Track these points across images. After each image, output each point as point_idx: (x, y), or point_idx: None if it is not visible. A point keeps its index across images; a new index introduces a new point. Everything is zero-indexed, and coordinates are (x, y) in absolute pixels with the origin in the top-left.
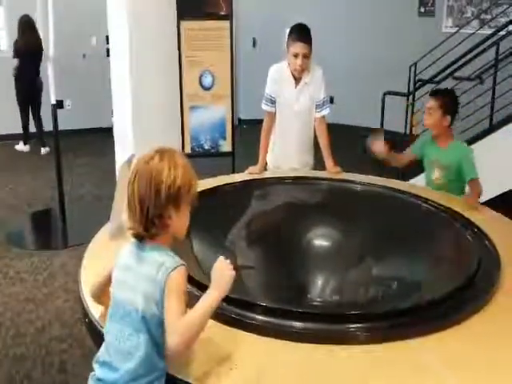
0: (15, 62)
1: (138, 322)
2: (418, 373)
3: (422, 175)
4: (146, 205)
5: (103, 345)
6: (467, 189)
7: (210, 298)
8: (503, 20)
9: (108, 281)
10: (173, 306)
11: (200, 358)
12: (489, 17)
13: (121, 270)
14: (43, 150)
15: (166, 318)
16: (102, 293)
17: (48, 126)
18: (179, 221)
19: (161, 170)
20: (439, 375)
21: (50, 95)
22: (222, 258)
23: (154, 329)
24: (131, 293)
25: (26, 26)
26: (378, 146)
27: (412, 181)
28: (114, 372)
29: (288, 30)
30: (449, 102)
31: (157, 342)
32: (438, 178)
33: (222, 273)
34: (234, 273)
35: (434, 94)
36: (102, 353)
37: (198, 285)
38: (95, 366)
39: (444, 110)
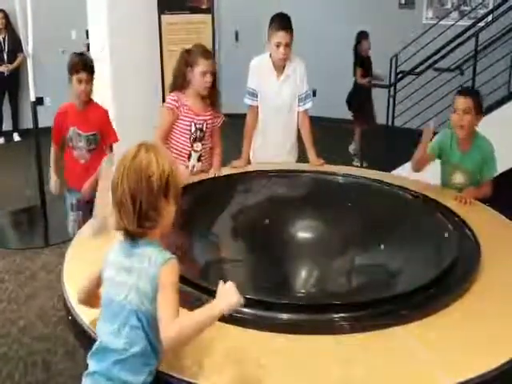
0: None
1: (132, 319)
2: (402, 359)
3: (406, 165)
4: (138, 199)
5: (98, 343)
6: None
7: (216, 310)
8: (482, 11)
9: (96, 285)
10: (167, 299)
11: (186, 352)
12: (468, 8)
13: (113, 269)
14: (16, 136)
15: (161, 312)
16: (91, 297)
17: (28, 123)
18: (168, 214)
19: (149, 162)
20: (422, 361)
21: (30, 92)
22: (231, 283)
23: (147, 326)
24: (125, 290)
25: None
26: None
27: (394, 172)
28: (106, 361)
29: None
30: (480, 102)
31: (150, 339)
32: (461, 182)
33: (232, 293)
34: (242, 300)
35: (467, 93)
36: (97, 349)
37: (181, 279)
38: (90, 361)
39: (477, 110)
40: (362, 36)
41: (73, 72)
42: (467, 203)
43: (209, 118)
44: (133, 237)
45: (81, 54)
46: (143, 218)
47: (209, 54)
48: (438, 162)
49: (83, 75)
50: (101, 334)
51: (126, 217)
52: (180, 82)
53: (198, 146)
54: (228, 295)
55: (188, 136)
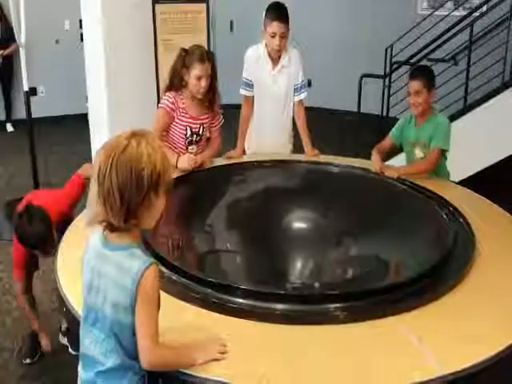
0: None
1: (109, 331)
2: (397, 349)
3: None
4: (126, 195)
5: (81, 350)
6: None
7: (196, 359)
8: (477, 1)
9: None
10: (147, 317)
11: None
12: None
13: (89, 273)
14: (9, 126)
15: (141, 331)
16: None
17: (21, 113)
18: (157, 207)
19: (140, 157)
20: (417, 350)
21: (23, 82)
22: (215, 339)
23: (124, 336)
24: (101, 298)
25: None
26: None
27: (388, 162)
28: (90, 371)
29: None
30: (429, 77)
31: (129, 351)
32: (422, 156)
33: (210, 349)
34: (219, 357)
35: (415, 75)
36: (81, 357)
37: (175, 269)
38: (79, 365)
39: (428, 86)
40: None
41: None
42: (390, 175)
43: (206, 121)
44: (114, 230)
45: None
46: (130, 214)
47: (205, 58)
48: None
49: None
50: (82, 340)
51: (112, 211)
52: (176, 83)
53: (193, 148)
54: (208, 350)
55: (183, 139)
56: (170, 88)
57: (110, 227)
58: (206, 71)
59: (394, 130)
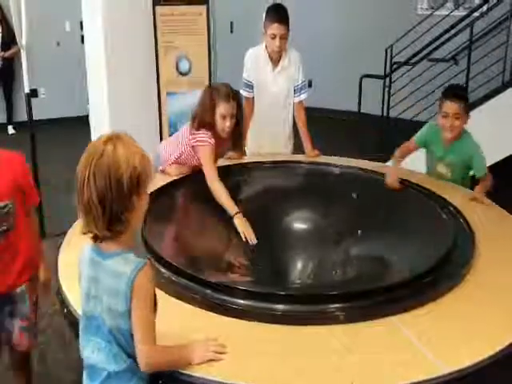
0: None
1: (110, 337)
2: (396, 349)
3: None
4: (108, 204)
5: (84, 361)
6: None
7: (192, 359)
8: (477, 1)
9: None
10: (143, 319)
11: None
12: None
13: (86, 282)
14: (10, 129)
15: (138, 333)
16: None
17: (22, 115)
18: (140, 210)
19: (118, 162)
20: (417, 350)
21: (24, 84)
22: (212, 340)
23: (126, 340)
24: (99, 306)
25: None
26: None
27: (389, 163)
28: (96, 379)
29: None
30: (467, 101)
31: (132, 354)
32: (444, 172)
33: (207, 349)
34: (216, 357)
35: (457, 96)
36: (86, 365)
37: (173, 269)
38: (84, 372)
39: (466, 110)
40: None
41: None
42: (484, 203)
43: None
44: (101, 240)
45: None
46: (113, 221)
47: (231, 97)
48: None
49: None
50: (82, 350)
51: (95, 221)
52: (208, 119)
53: None
54: (205, 350)
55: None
56: (201, 125)
57: (96, 238)
58: (230, 110)
59: (419, 135)
